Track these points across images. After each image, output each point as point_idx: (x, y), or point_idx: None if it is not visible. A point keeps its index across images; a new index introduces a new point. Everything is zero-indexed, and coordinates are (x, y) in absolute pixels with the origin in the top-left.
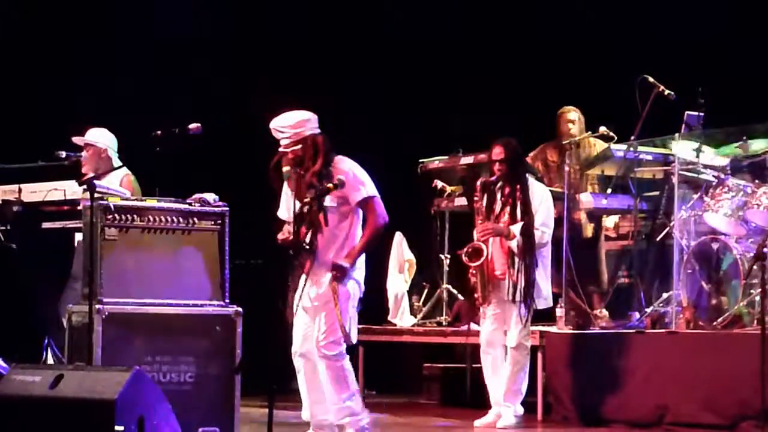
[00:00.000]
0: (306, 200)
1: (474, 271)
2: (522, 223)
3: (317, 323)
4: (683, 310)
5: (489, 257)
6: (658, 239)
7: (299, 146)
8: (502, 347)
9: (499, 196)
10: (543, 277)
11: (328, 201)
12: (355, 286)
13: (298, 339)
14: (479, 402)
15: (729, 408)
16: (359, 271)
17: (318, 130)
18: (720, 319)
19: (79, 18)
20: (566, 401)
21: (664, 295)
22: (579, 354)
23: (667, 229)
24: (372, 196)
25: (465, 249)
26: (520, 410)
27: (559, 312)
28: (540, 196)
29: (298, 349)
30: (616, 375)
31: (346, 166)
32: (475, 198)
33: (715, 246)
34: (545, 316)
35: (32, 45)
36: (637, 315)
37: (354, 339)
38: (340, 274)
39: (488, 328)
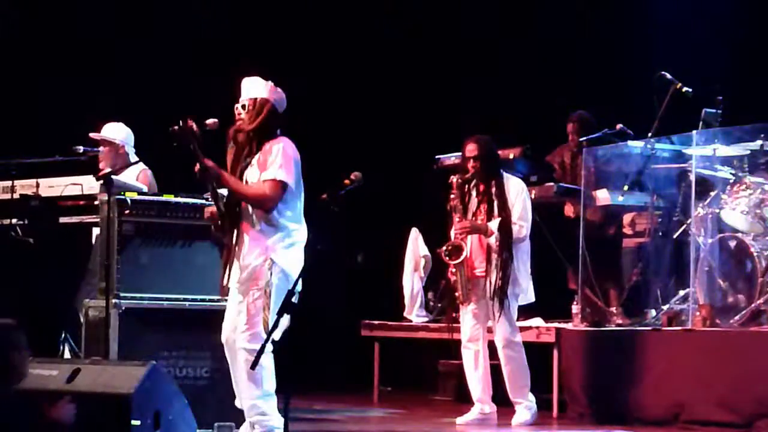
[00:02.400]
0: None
1: (453, 270)
2: (500, 219)
3: (241, 310)
4: (700, 307)
5: (468, 255)
6: (674, 237)
7: (248, 104)
8: (484, 343)
9: (474, 193)
10: (523, 273)
11: (251, 176)
12: (282, 278)
13: (226, 326)
14: (494, 398)
15: (745, 406)
16: (293, 264)
17: (277, 106)
18: (737, 317)
19: (88, 15)
20: (581, 398)
21: (681, 293)
22: (595, 351)
23: (684, 226)
24: (278, 180)
25: (444, 247)
26: (532, 401)
27: (575, 309)
28: (516, 190)
29: (225, 337)
30: (631, 373)
31: (278, 146)
32: (452, 196)
33: (732, 244)
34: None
35: (47, 41)
36: (653, 313)
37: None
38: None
39: (469, 323)
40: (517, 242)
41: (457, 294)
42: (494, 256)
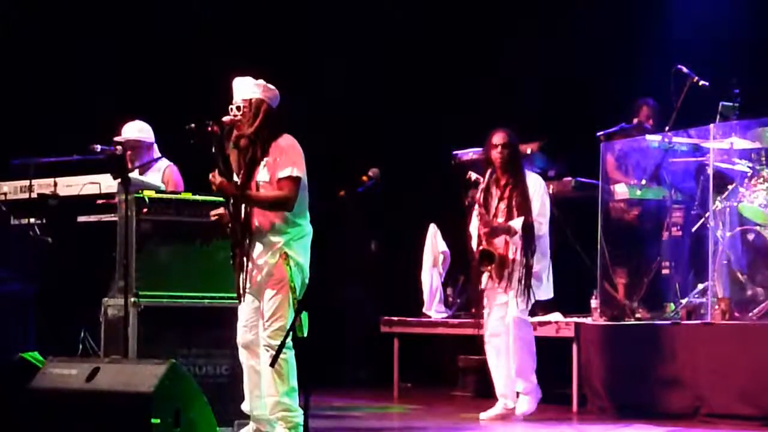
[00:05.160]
0: (242, 183)
1: (486, 272)
2: (522, 218)
3: (263, 309)
4: (718, 301)
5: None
6: (693, 230)
7: (243, 105)
8: (506, 337)
9: (494, 189)
10: (541, 267)
11: (263, 176)
12: (298, 271)
13: (241, 329)
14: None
15: (765, 399)
16: (305, 258)
17: (271, 103)
18: (756, 310)
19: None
20: (601, 393)
21: (700, 287)
22: (614, 345)
23: (702, 220)
24: (294, 177)
25: (477, 255)
26: (534, 382)
27: (594, 303)
28: (534, 186)
29: (241, 340)
30: (651, 366)
31: (285, 143)
32: (477, 208)
33: (750, 237)
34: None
35: (65, 41)
36: (672, 306)
37: (304, 332)
38: (218, 187)
39: (493, 316)
40: (537, 239)
41: (493, 279)
42: (518, 253)
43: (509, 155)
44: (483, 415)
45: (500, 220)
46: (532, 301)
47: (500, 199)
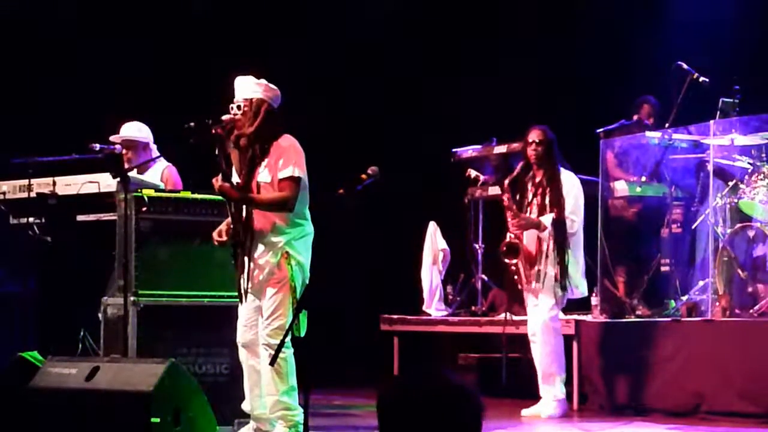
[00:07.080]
0: (240, 180)
1: (513, 265)
2: (553, 213)
3: (263, 307)
4: (719, 298)
5: (523, 248)
6: (693, 227)
7: (243, 104)
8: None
9: (529, 185)
10: (574, 266)
11: (264, 177)
12: (298, 270)
13: (241, 328)
14: (515, 391)
15: (766, 397)
16: (306, 257)
17: (272, 103)
18: (756, 307)
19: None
20: (602, 390)
21: (700, 283)
22: (614, 343)
23: (702, 216)
24: (295, 177)
25: (501, 247)
26: (561, 394)
27: (594, 301)
28: (569, 184)
29: (241, 339)
30: (651, 364)
31: (286, 143)
32: (505, 198)
33: (750, 233)
34: (580, 306)
35: (65, 40)
36: (672, 303)
37: (302, 332)
38: (219, 190)
39: (530, 317)
40: (569, 237)
41: (523, 277)
42: (547, 250)
43: (544, 152)
44: (525, 412)
45: (533, 216)
46: (563, 302)
47: (534, 195)
